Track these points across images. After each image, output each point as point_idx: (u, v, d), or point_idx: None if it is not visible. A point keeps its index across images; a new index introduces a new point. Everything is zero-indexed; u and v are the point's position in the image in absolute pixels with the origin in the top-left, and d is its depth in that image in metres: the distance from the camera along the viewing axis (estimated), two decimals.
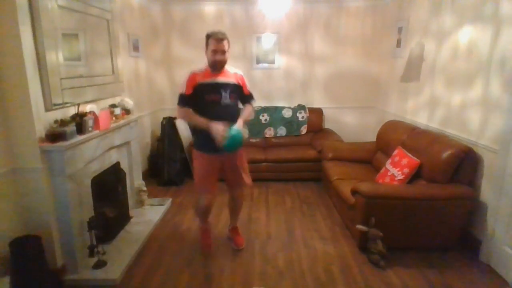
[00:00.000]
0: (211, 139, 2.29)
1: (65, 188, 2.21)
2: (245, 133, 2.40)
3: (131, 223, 3.13)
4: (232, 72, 2.50)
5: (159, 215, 3.30)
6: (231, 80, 2.45)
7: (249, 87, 2.57)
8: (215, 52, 2.33)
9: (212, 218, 3.29)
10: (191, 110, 2.37)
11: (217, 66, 2.38)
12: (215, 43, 2.32)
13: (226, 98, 2.39)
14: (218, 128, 2.25)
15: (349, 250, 2.72)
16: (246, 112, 2.52)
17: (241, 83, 2.50)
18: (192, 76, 2.36)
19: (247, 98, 2.57)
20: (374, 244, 2.50)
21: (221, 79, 2.41)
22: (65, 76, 2.32)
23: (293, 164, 4.25)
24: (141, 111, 4.02)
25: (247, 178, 2.68)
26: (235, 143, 2.28)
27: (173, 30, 4.73)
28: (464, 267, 2.46)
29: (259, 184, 4.21)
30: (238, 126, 2.34)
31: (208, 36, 2.35)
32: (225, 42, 2.34)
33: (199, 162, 2.50)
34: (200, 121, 2.33)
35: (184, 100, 2.35)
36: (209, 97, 2.36)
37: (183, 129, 4.44)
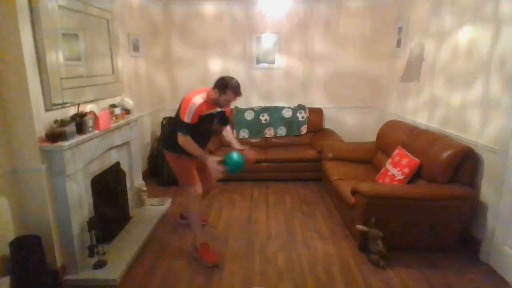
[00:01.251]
0: (201, 147, 2.54)
1: (65, 188, 2.21)
2: (250, 154, 2.68)
3: (131, 223, 3.13)
4: None
5: (159, 215, 3.30)
6: (220, 109, 2.65)
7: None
8: (229, 102, 2.52)
9: (212, 218, 3.30)
10: (191, 140, 2.46)
11: (221, 107, 2.60)
12: (234, 96, 2.48)
13: (214, 124, 2.68)
14: (213, 163, 2.44)
15: (349, 250, 2.72)
16: (232, 135, 2.83)
17: (226, 109, 2.72)
18: (200, 107, 2.42)
19: (227, 119, 2.80)
20: (374, 244, 2.50)
21: (215, 110, 2.61)
22: (65, 76, 2.32)
23: (293, 164, 4.25)
24: (141, 111, 4.02)
25: None
26: (238, 167, 2.51)
27: (173, 30, 4.73)
28: (464, 267, 2.46)
29: (259, 184, 4.21)
30: (238, 151, 2.61)
31: (227, 86, 2.44)
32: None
33: (183, 162, 2.64)
34: (199, 153, 2.50)
35: (189, 130, 2.43)
36: (205, 125, 2.57)
37: None
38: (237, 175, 3.72)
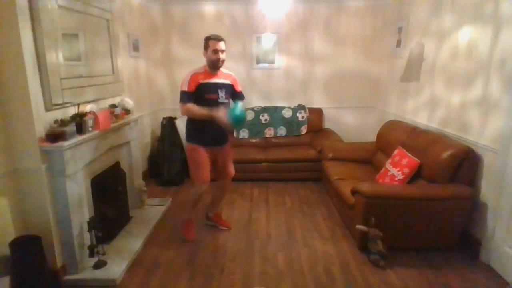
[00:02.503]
0: (206, 133, 2.66)
1: (65, 188, 2.21)
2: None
3: (131, 223, 3.13)
4: (226, 73, 2.78)
5: (159, 215, 3.30)
6: (227, 80, 2.74)
7: (240, 87, 2.87)
8: (216, 51, 2.59)
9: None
10: (192, 105, 2.57)
11: (217, 65, 2.63)
12: (216, 42, 2.59)
13: (222, 97, 2.68)
14: (221, 114, 2.50)
15: (349, 250, 2.72)
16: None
17: (233, 83, 2.79)
18: (194, 76, 2.60)
19: (239, 95, 2.84)
20: (374, 244, 2.50)
21: (218, 79, 2.69)
22: (65, 76, 2.32)
23: (293, 164, 4.25)
24: (141, 111, 4.02)
25: (232, 168, 2.98)
26: (240, 119, 2.50)
27: (173, 30, 4.73)
28: (464, 267, 2.46)
29: (259, 184, 4.21)
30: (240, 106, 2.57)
31: (208, 38, 2.62)
32: (223, 43, 2.63)
33: (196, 153, 2.71)
34: (204, 112, 2.55)
35: (188, 97, 2.57)
36: (208, 96, 2.62)
37: (183, 128, 4.44)
38: (237, 176, 3.72)
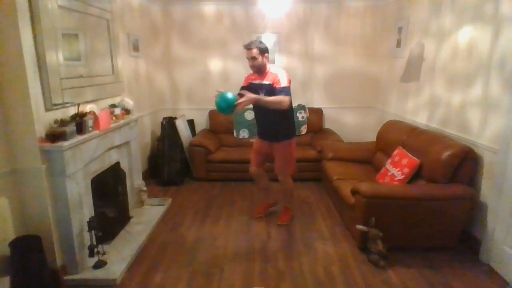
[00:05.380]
0: (258, 127, 3.10)
1: (65, 188, 2.21)
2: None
3: (131, 223, 3.13)
4: (273, 73, 2.83)
5: (159, 215, 3.30)
6: (266, 81, 2.83)
7: (284, 83, 2.75)
8: (249, 59, 2.79)
9: (212, 218, 3.30)
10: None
11: (252, 71, 2.89)
12: (246, 52, 2.78)
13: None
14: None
15: (349, 250, 2.72)
16: (270, 97, 2.72)
17: (272, 82, 2.79)
18: (248, 76, 3.02)
19: (275, 92, 2.75)
20: (374, 244, 2.50)
21: (258, 81, 2.89)
22: (65, 76, 2.32)
23: None
24: (141, 111, 4.02)
25: (286, 169, 3.12)
26: (222, 105, 2.55)
27: (173, 30, 4.73)
28: (464, 267, 2.46)
29: None
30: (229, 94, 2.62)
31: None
32: (253, 50, 2.74)
33: (254, 141, 3.18)
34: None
35: (242, 89, 2.95)
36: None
37: (183, 128, 4.44)
38: (237, 176, 3.74)
